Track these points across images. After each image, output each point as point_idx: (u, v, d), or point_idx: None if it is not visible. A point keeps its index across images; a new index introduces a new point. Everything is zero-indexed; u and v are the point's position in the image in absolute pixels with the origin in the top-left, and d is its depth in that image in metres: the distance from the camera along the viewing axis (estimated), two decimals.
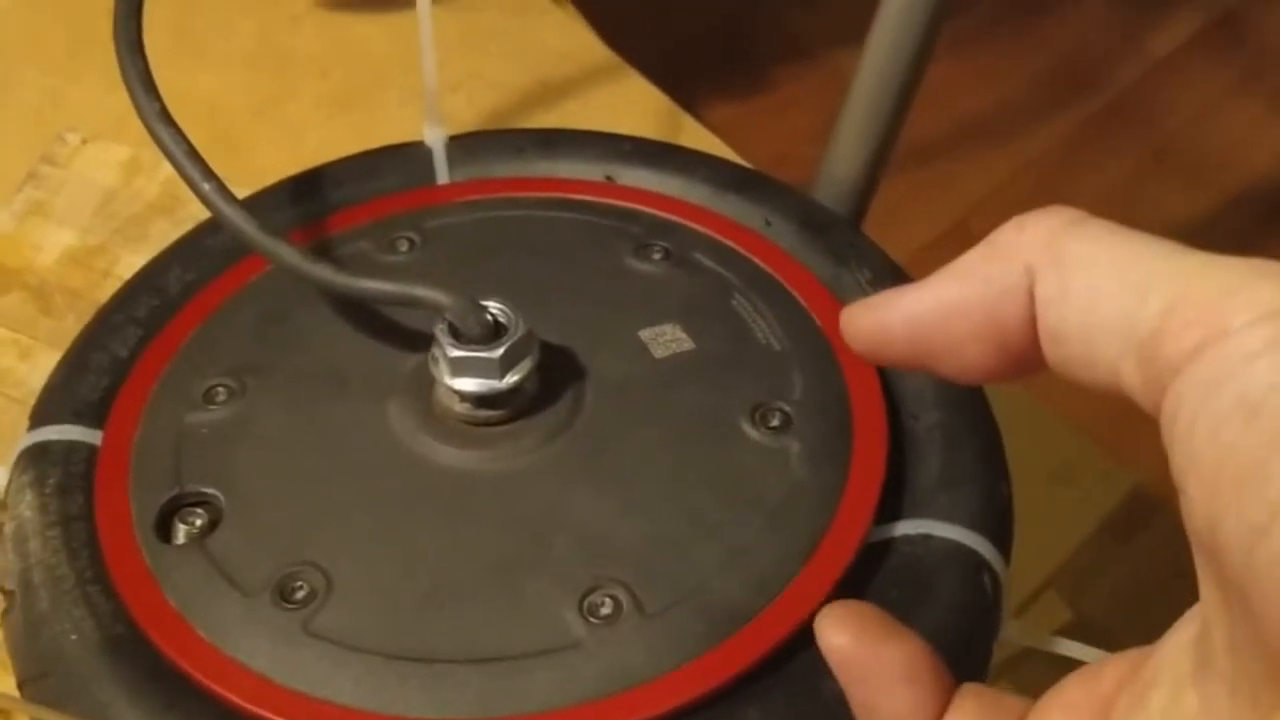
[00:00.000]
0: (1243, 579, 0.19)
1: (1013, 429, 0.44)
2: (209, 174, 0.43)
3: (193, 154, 0.43)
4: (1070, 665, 0.28)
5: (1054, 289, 0.23)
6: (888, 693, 0.27)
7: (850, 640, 0.28)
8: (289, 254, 0.43)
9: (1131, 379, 0.22)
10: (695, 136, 0.69)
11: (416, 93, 0.68)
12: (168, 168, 0.59)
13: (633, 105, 0.70)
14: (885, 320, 0.27)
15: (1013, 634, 0.42)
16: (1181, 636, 0.24)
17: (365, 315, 0.46)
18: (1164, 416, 0.21)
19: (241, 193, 0.52)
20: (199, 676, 0.37)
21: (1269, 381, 0.20)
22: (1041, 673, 0.29)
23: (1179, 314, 0.21)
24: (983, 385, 0.27)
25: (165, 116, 0.44)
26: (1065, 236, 0.24)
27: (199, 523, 0.41)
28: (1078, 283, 0.23)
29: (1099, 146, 1.22)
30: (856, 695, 0.28)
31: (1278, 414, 0.19)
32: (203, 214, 0.50)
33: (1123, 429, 0.80)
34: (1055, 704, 0.26)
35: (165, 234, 0.57)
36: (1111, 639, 0.64)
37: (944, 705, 0.28)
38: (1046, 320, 0.24)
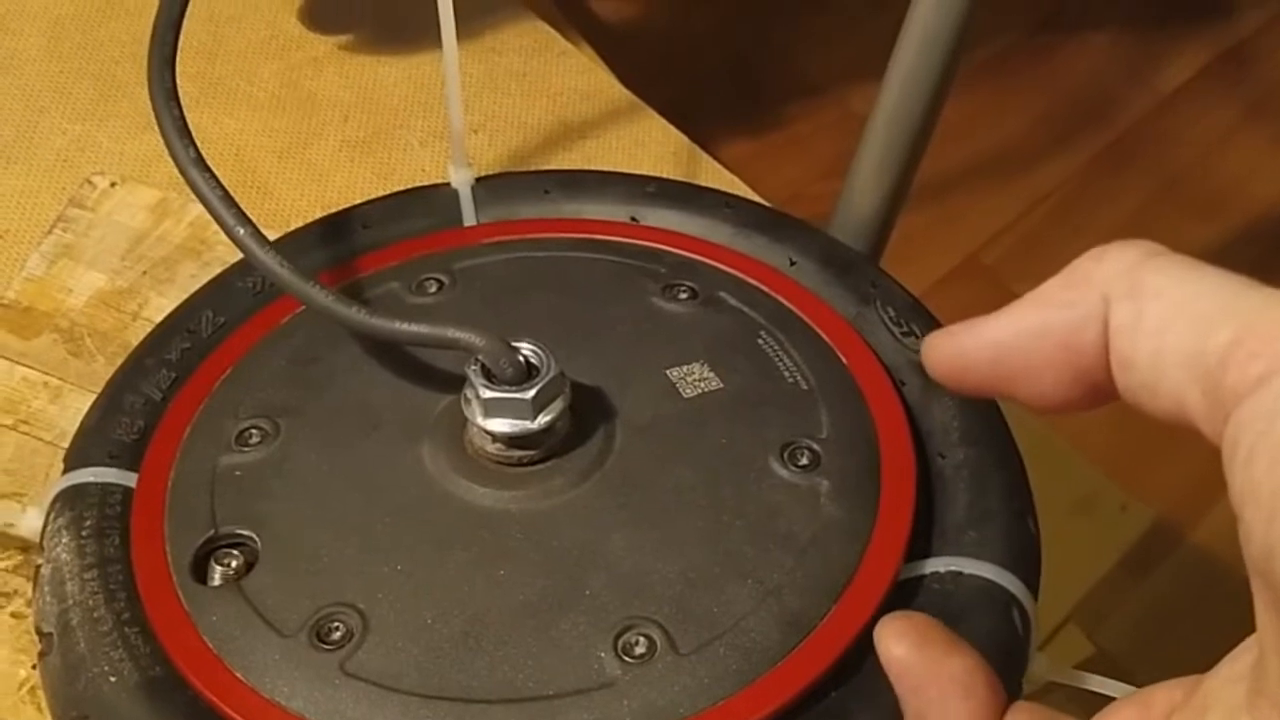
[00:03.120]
0: None
1: (1032, 462, 0.45)
2: (244, 219, 0.44)
3: (227, 199, 0.44)
4: (1092, 699, 0.28)
5: (1128, 317, 0.24)
6: (943, 705, 0.28)
7: (910, 651, 0.28)
8: (324, 297, 0.43)
9: (1197, 407, 0.23)
10: (713, 175, 0.70)
11: (437, 134, 0.69)
12: (195, 210, 0.60)
13: (652, 144, 0.71)
14: (967, 347, 0.27)
15: (1038, 669, 0.42)
16: (1236, 665, 0.24)
17: (396, 356, 0.46)
18: (1225, 444, 0.22)
19: (268, 234, 0.53)
20: (237, 718, 0.37)
21: None
22: (1063, 708, 0.29)
23: (1245, 345, 0.22)
24: (1061, 413, 0.27)
25: (200, 163, 0.44)
26: (1141, 268, 0.24)
27: (235, 564, 0.41)
28: (1150, 312, 0.24)
29: (1109, 181, 1.22)
30: (912, 705, 0.28)
31: None
32: (230, 256, 0.51)
33: (1140, 463, 0.80)
34: None
35: (193, 276, 0.58)
36: (1131, 672, 0.65)
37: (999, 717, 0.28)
38: (1118, 347, 0.24)
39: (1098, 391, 0.26)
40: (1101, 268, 0.25)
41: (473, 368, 0.41)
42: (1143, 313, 0.24)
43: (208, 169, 0.44)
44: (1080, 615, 0.64)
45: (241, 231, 0.44)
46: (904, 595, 0.40)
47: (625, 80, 0.76)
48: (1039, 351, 0.26)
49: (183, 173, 0.45)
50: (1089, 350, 0.25)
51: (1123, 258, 0.25)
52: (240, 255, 0.45)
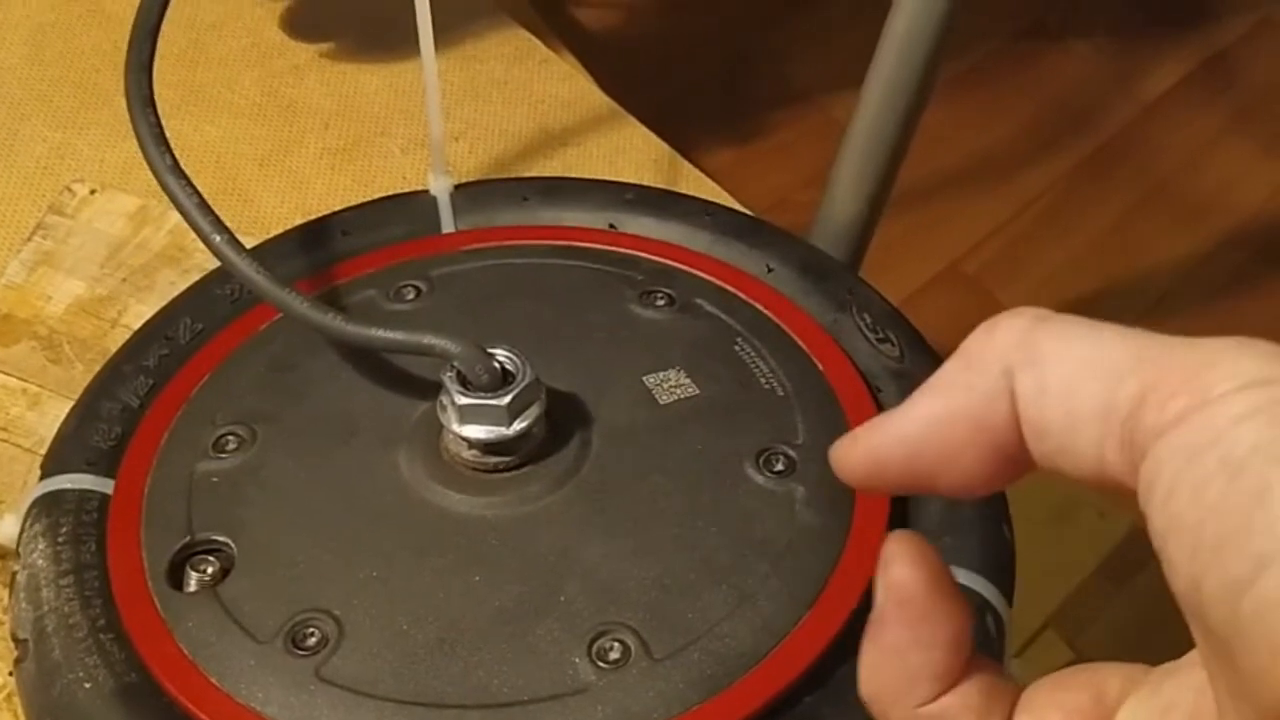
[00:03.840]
0: (1227, 634, 0.20)
1: None
2: (220, 226, 0.44)
3: (204, 206, 0.44)
4: None
5: (1032, 385, 0.24)
6: (929, 648, 0.27)
7: (924, 581, 0.27)
8: (300, 304, 0.43)
9: (1114, 460, 0.22)
10: (694, 182, 0.70)
11: (418, 142, 0.69)
12: (174, 218, 0.60)
13: (632, 152, 0.71)
14: (877, 446, 0.26)
15: (1014, 675, 0.42)
16: (1197, 675, 0.24)
17: (373, 363, 0.46)
18: (1141, 484, 0.22)
19: (247, 241, 0.52)
20: None
21: (1252, 443, 0.20)
22: None
23: (1159, 388, 0.22)
24: (983, 493, 0.27)
25: (177, 170, 0.44)
26: (1036, 334, 0.24)
27: (210, 570, 0.41)
28: (1054, 376, 0.23)
29: (1092, 189, 1.23)
30: (894, 637, 0.27)
31: (1261, 473, 0.20)
32: (209, 264, 0.51)
33: None
34: (1051, 703, 0.26)
35: (172, 283, 0.58)
36: None
37: (963, 676, 0.27)
38: (1029, 417, 0.24)
39: (1018, 464, 0.25)
40: (995, 341, 0.25)
41: (448, 374, 0.41)
42: (1046, 379, 0.24)
43: (184, 176, 0.44)
44: (1059, 622, 0.64)
45: (218, 239, 0.44)
46: None
47: (608, 88, 0.76)
48: (952, 438, 0.25)
49: (159, 180, 0.45)
50: (1002, 426, 0.24)
51: (1014, 327, 0.25)
52: (219, 262, 0.45)
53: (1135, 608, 0.76)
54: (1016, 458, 0.25)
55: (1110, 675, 0.26)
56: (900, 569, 0.27)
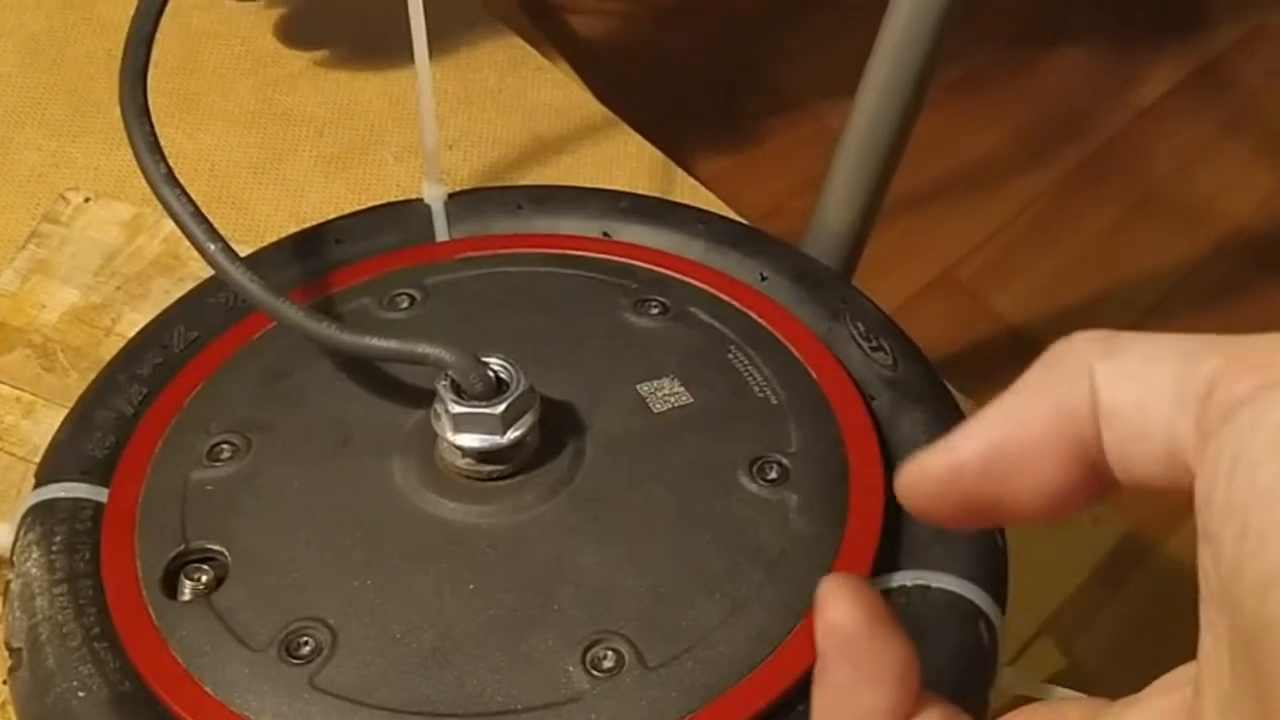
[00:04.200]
0: (1255, 628, 0.20)
1: None
2: (214, 234, 0.44)
3: (198, 215, 0.44)
4: None
5: (1111, 371, 0.24)
6: (876, 684, 0.27)
7: (861, 624, 0.26)
8: (294, 313, 0.43)
9: (1185, 439, 0.22)
10: (688, 191, 0.70)
11: (412, 150, 0.69)
12: (168, 226, 0.60)
13: (627, 160, 0.71)
14: (958, 456, 0.26)
15: (1007, 682, 0.43)
16: (1163, 702, 0.24)
17: (367, 372, 0.46)
18: (1206, 463, 0.21)
19: (242, 249, 0.52)
20: None
21: None
22: None
23: (1233, 368, 0.22)
24: (1062, 514, 0.26)
25: (171, 179, 0.44)
26: (1114, 335, 0.24)
27: (205, 579, 0.41)
28: (1132, 361, 0.23)
29: (1085, 196, 1.23)
30: (841, 678, 0.26)
31: None
32: (204, 272, 0.51)
33: None
34: None
35: (166, 291, 0.58)
36: (1104, 684, 0.65)
37: (913, 712, 0.27)
38: (1105, 399, 0.23)
39: (1097, 475, 0.25)
40: (1075, 343, 0.24)
41: (442, 383, 0.42)
42: (1124, 364, 0.24)
43: (178, 185, 0.45)
44: (1053, 628, 0.65)
45: (212, 247, 0.44)
46: None
47: (603, 96, 0.76)
48: (1034, 438, 0.25)
49: (153, 189, 0.45)
50: (1084, 417, 0.24)
51: (1093, 333, 0.25)
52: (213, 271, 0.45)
53: (1130, 614, 0.76)
54: (1097, 466, 0.24)
55: (1070, 710, 0.26)
56: (835, 611, 0.26)
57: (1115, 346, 0.24)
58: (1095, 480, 0.24)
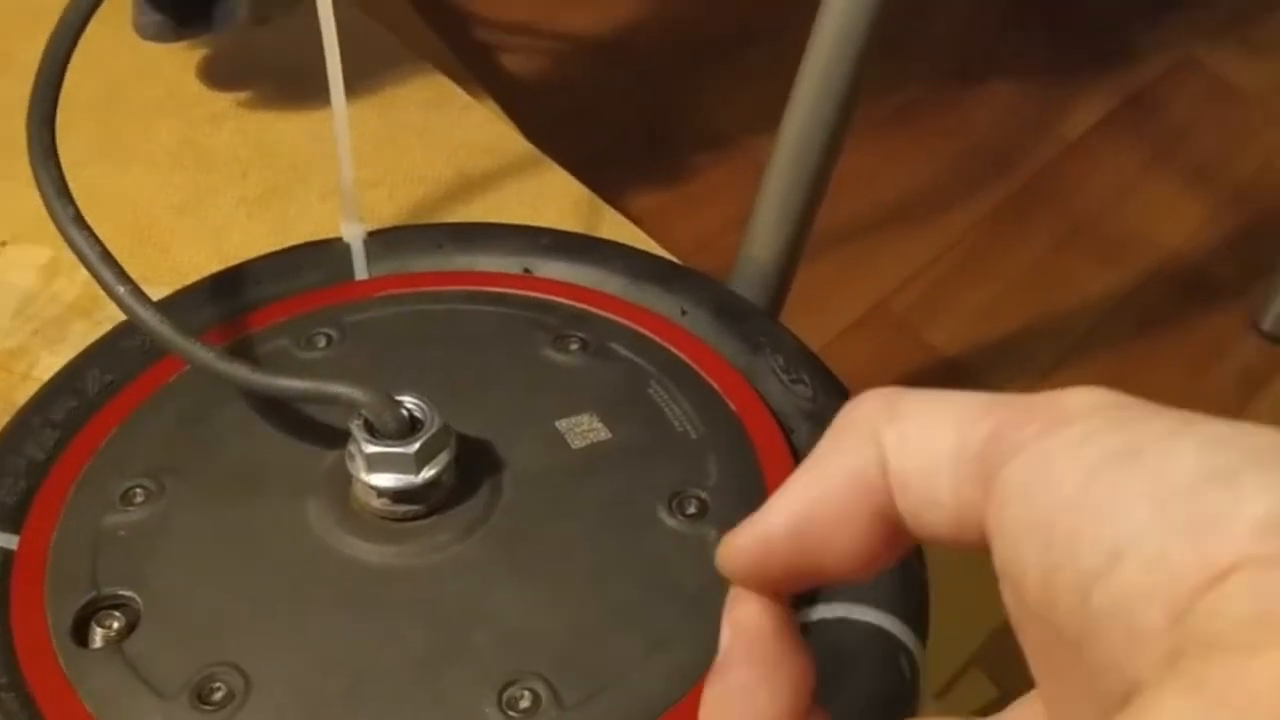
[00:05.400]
0: (1078, 630, 0.20)
1: None
2: (124, 277, 0.44)
3: (107, 257, 0.43)
4: None
5: (896, 438, 0.24)
6: (775, 689, 0.27)
7: (770, 624, 0.27)
8: (205, 354, 0.43)
9: (970, 496, 0.23)
10: (615, 227, 0.70)
11: (336, 189, 0.68)
12: None
13: (553, 197, 0.71)
14: (766, 531, 0.27)
15: (930, 712, 0.42)
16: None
17: (284, 413, 0.46)
18: (996, 499, 0.22)
19: (164, 291, 0.52)
20: None
21: (1105, 447, 0.21)
22: None
23: (1011, 424, 0.23)
24: (868, 575, 0.27)
25: (79, 221, 0.44)
26: (896, 398, 0.25)
27: (116, 626, 0.40)
28: (912, 426, 0.24)
29: (1015, 228, 1.24)
30: (741, 677, 0.27)
31: (1113, 472, 0.20)
32: (122, 315, 0.50)
33: None
34: None
35: (85, 335, 0.57)
36: None
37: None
38: (894, 468, 0.25)
39: (900, 533, 0.26)
40: (861, 409, 0.25)
41: (356, 423, 0.41)
42: (907, 430, 0.24)
43: (87, 227, 0.44)
44: (984, 658, 0.65)
45: (121, 290, 0.43)
46: None
47: (533, 134, 0.76)
48: (835, 506, 0.25)
49: (62, 232, 0.44)
50: (877, 485, 0.25)
51: (877, 395, 0.26)
52: None
53: None
54: (897, 525, 0.25)
55: None
56: (747, 607, 0.27)
57: (898, 411, 0.25)
58: (900, 538, 0.25)
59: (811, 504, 0.26)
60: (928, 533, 0.24)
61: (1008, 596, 0.22)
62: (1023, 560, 0.21)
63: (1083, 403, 0.22)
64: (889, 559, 0.26)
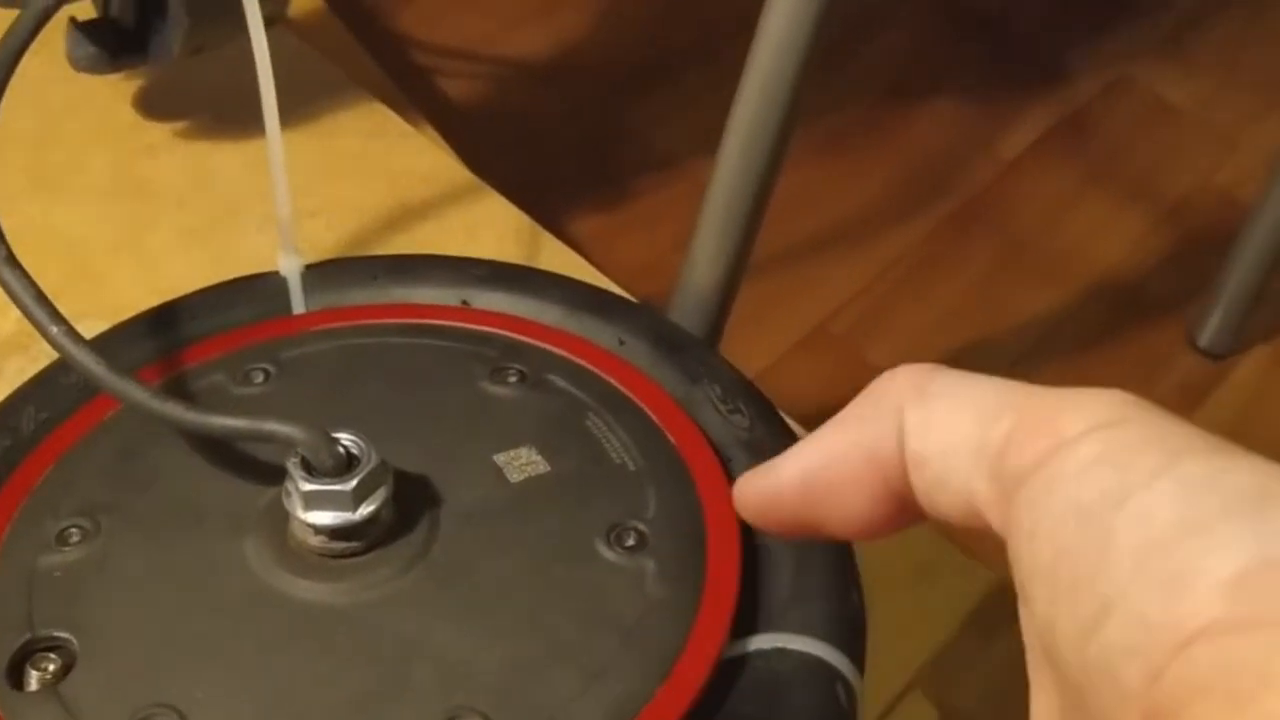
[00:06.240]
0: (1078, 678, 0.21)
1: None
2: (57, 317, 0.43)
3: (40, 298, 0.43)
4: None
5: (918, 418, 0.26)
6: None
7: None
8: (140, 394, 0.43)
9: (985, 497, 0.24)
10: (555, 254, 0.70)
11: (274, 219, 0.68)
12: None
13: (492, 225, 0.71)
14: (779, 479, 0.28)
15: None
16: None
17: (221, 450, 0.46)
18: (1010, 529, 0.23)
19: (100, 326, 0.52)
20: None
21: (1099, 488, 0.21)
22: None
23: (1022, 429, 0.23)
24: (870, 537, 0.28)
25: (11, 260, 0.44)
26: (929, 378, 0.26)
27: (52, 668, 0.40)
28: (937, 411, 0.26)
29: (955, 247, 1.25)
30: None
31: (1104, 519, 0.21)
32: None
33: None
34: None
35: (22, 371, 0.57)
36: None
37: None
38: (911, 447, 0.26)
39: (904, 507, 0.27)
40: (893, 383, 0.27)
41: (293, 460, 0.41)
42: (930, 413, 0.26)
43: (19, 266, 0.44)
44: (924, 681, 0.65)
45: (55, 330, 0.43)
46: (729, 673, 0.41)
47: (474, 159, 0.76)
48: (846, 469, 0.27)
49: None
50: (891, 460, 0.26)
51: (911, 372, 0.27)
52: None
53: (1003, 664, 0.76)
54: (904, 498, 0.26)
55: None
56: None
57: (926, 393, 0.26)
58: (904, 511, 0.27)
59: (823, 464, 0.27)
60: (938, 513, 0.26)
61: (1024, 623, 0.23)
62: (1032, 602, 0.22)
63: (1091, 416, 0.23)
64: (892, 528, 0.28)
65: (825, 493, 0.27)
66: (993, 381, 0.25)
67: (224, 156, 0.71)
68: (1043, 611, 0.22)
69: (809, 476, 0.28)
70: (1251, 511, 0.20)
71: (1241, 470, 0.21)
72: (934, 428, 0.25)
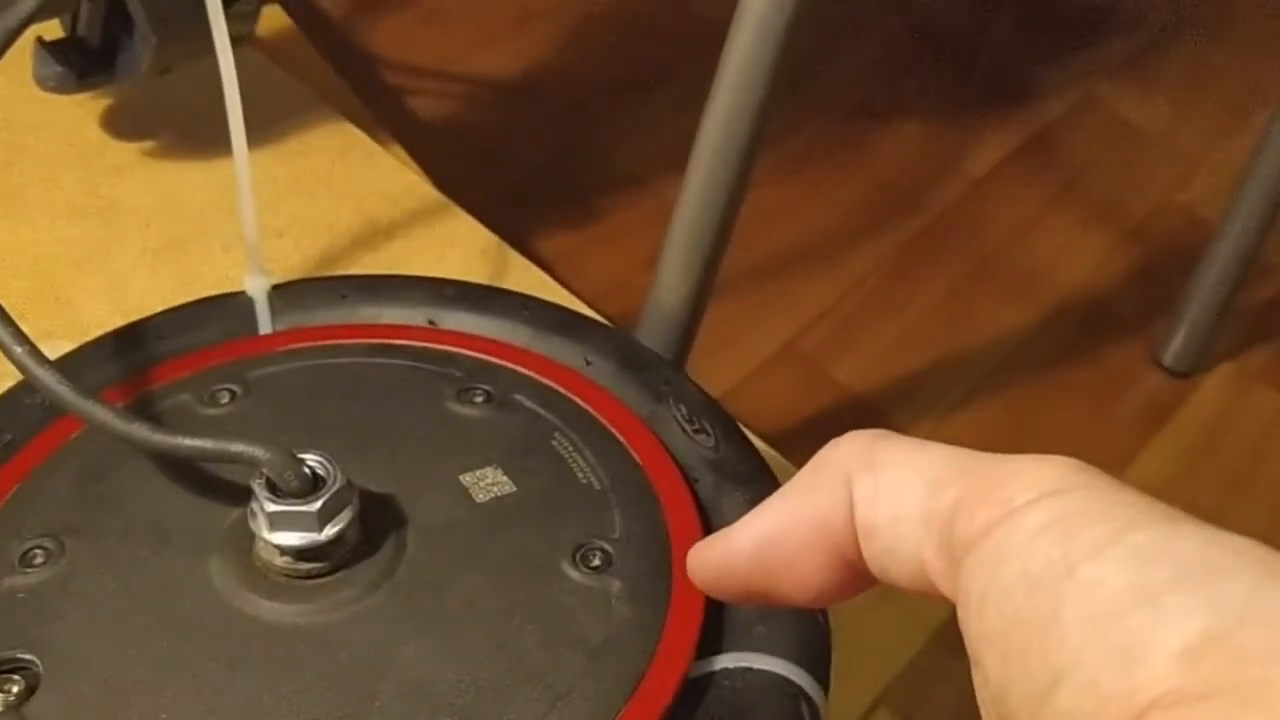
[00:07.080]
0: None
1: None
2: (20, 337, 0.43)
3: (4, 317, 0.43)
4: None
5: (867, 488, 0.26)
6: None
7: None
8: (105, 415, 0.43)
9: (934, 564, 0.24)
10: (522, 273, 0.70)
11: (241, 239, 0.68)
12: None
13: (460, 244, 0.71)
14: (731, 549, 0.29)
15: None
16: None
17: (186, 471, 0.46)
18: (959, 597, 0.23)
19: (65, 346, 0.52)
20: None
21: (1046, 558, 0.22)
22: None
23: (970, 498, 0.23)
24: (823, 604, 0.29)
25: None
26: (875, 446, 0.27)
27: (15, 690, 0.40)
28: (885, 480, 0.26)
29: (922, 265, 1.26)
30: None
31: (1053, 589, 0.21)
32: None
33: None
34: None
35: None
36: None
37: None
38: (861, 516, 0.26)
39: (856, 573, 0.27)
40: (839, 452, 0.27)
41: (258, 481, 0.41)
42: (879, 483, 0.26)
43: None
44: (891, 699, 0.65)
45: (19, 350, 0.43)
46: (695, 692, 0.41)
47: (442, 178, 0.77)
48: (797, 539, 0.27)
49: None
50: (841, 528, 0.26)
51: (857, 440, 0.27)
52: None
53: (971, 682, 0.77)
54: (855, 566, 0.26)
55: None
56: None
57: (874, 462, 0.26)
58: (856, 578, 0.27)
59: (775, 534, 0.28)
60: (889, 580, 0.26)
61: (976, 685, 0.23)
62: (984, 668, 0.22)
63: (1038, 484, 0.23)
64: (845, 594, 0.28)
65: (777, 562, 0.28)
66: (940, 448, 0.26)
67: (191, 176, 0.71)
68: (995, 678, 0.22)
69: (761, 546, 0.28)
70: (1201, 582, 0.20)
71: (1189, 539, 0.21)
72: (882, 497, 0.26)
